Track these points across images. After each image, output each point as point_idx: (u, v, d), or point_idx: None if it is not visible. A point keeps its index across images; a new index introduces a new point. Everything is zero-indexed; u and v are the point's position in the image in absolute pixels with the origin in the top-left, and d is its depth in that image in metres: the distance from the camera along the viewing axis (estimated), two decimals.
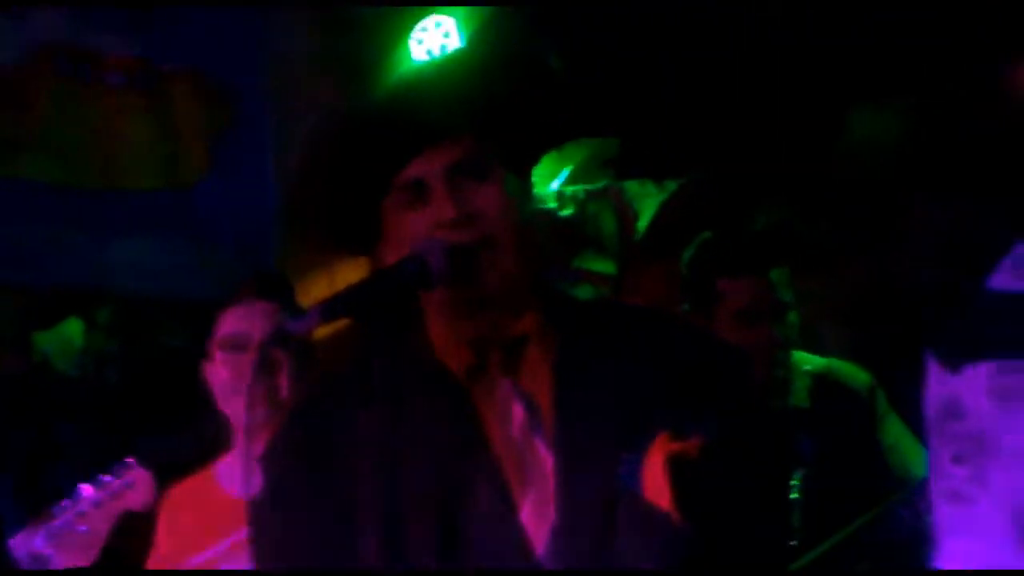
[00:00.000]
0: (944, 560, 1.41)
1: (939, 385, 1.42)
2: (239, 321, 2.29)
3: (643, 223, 4.06)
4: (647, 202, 4.03)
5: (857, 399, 2.77)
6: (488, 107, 1.60)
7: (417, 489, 1.50)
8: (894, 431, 2.77)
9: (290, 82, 3.85)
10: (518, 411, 1.54)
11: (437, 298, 1.54)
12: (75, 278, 3.56)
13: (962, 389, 1.38)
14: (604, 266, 4.05)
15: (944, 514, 1.40)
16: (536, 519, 1.49)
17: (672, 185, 4.04)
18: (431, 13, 4.03)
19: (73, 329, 3.93)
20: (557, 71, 3.32)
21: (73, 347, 3.90)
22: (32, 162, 3.50)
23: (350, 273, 3.94)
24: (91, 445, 3.64)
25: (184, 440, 3.01)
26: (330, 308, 1.48)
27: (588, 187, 4.06)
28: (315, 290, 3.96)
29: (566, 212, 4.07)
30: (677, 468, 1.41)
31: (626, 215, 4.06)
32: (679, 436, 1.42)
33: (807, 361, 2.83)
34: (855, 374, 2.85)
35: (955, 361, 1.39)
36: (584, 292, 3.67)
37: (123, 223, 3.62)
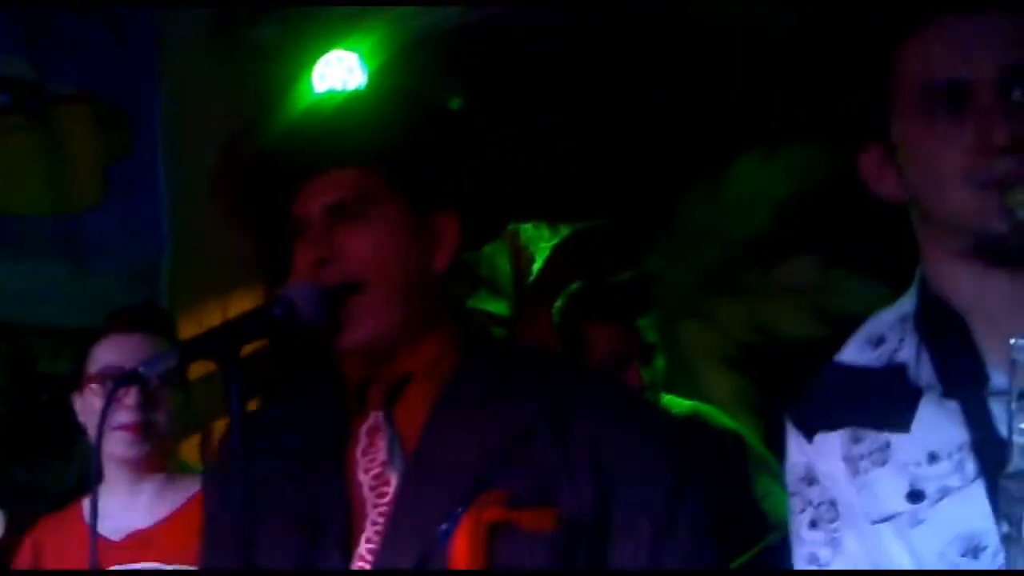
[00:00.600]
0: None
1: (797, 452, 1.46)
2: (111, 353, 2.26)
3: (536, 266, 4.09)
4: (541, 245, 4.06)
5: (723, 442, 2.82)
6: (379, 141, 1.59)
7: (287, 510, 1.53)
8: (764, 480, 2.82)
9: (185, 110, 3.80)
10: (381, 446, 1.54)
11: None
12: None
13: (816, 456, 1.42)
14: (498, 307, 4.06)
15: None
16: (366, 554, 1.50)
17: (565, 230, 4.08)
18: (334, 48, 4.02)
19: None
20: (456, 112, 3.34)
21: None
22: None
23: (245, 302, 3.91)
24: None
25: (51, 472, 2.94)
26: (190, 348, 1.47)
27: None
28: (208, 319, 3.91)
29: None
30: (492, 536, 1.42)
31: (521, 257, 4.08)
32: (512, 502, 1.42)
33: (675, 404, 2.89)
34: (721, 418, 2.90)
35: (810, 429, 1.43)
36: None
37: (4, 247, 3.52)
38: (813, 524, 1.43)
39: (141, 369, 1.44)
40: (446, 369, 1.56)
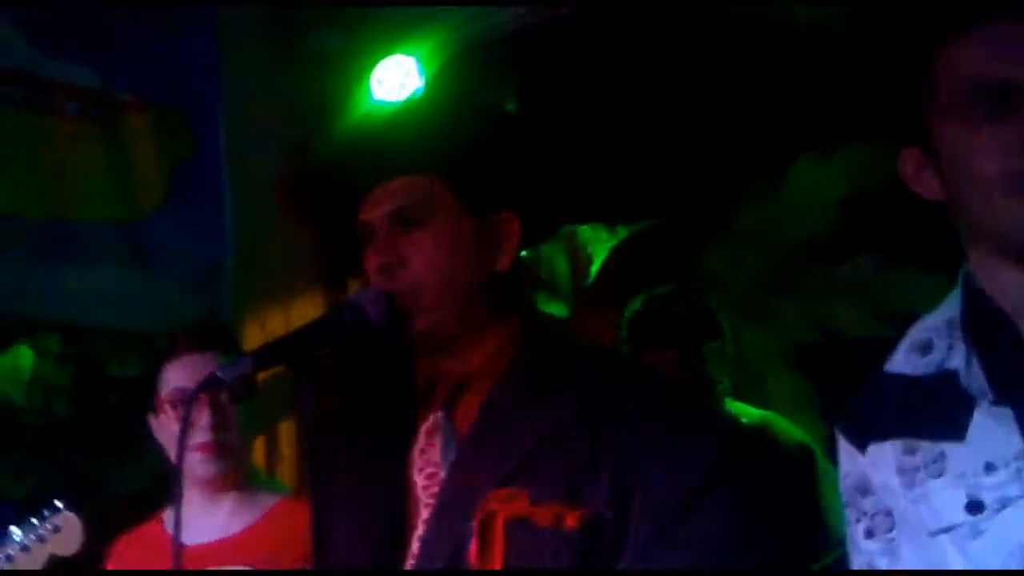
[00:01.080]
0: None
1: (849, 463, 1.45)
2: (181, 375, 2.30)
3: (595, 268, 4.09)
4: (599, 247, 4.06)
5: (791, 454, 2.79)
6: (439, 148, 1.62)
7: (356, 510, 1.59)
8: (830, 494, 2.78)
9: (247, 115, 3.86)
10: (437, 445, 1.58)
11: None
12: (23, 307, 3.54)
13: (870, 468, 1.42)
14: (556, 309, 4.07)
15: None
16: (417, 553, 1.54)
17: (624, 232, 4.08)
18: (392, 52, 4.05)
19: (23, 358, 3.90)
20: (514, 115, 3.35)
21: (22, 376, 3.86)
22: None
23: (307, 309, 3.95)
24: (35, 476, 3.60)
25: (116, 472, 2.99)
26: (263, 355, 1.50)
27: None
28: (271, 323, 3.96)
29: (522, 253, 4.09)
30: (511, 532, 1.45)
31: (579, 259, 4.08)
32: (536, 499, 1.44)
33: (745, 414, 2.85)
34: (790, 430, 2.86)
35: (862, 440, 1.42)
36: None
37: (74, 253, 3.60)
38: (869, 534, 1.43)
39: (219, 374, 1.48)
40: (500, 369, 1.59)
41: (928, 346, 1.41)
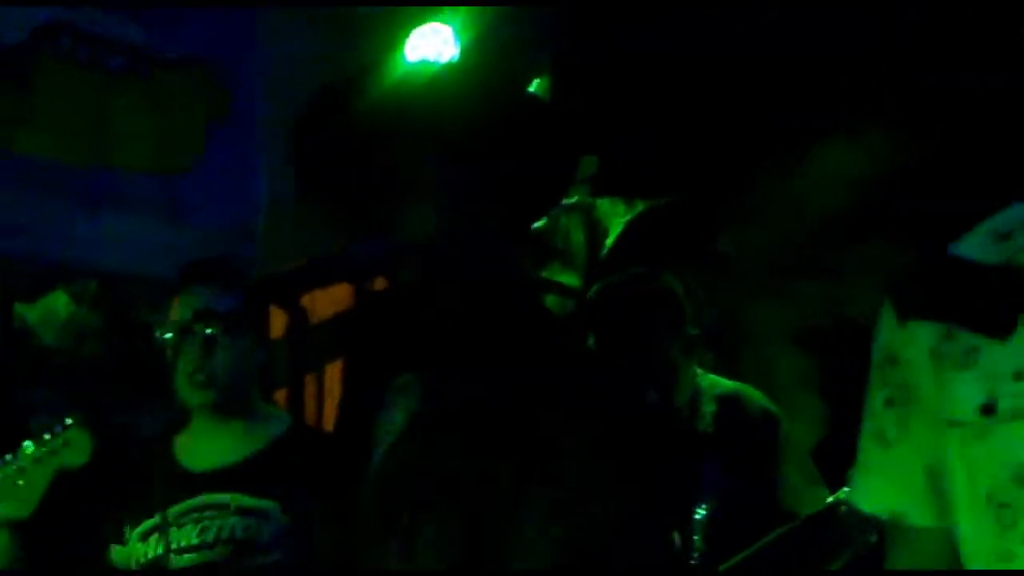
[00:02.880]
0: (859, 495, 1.47)
1: (887, 332, 1.42)
2: (182, 306, 2.41)
3: (609, 241, 4.15)
4: (615, 221, 4.12)
5: (760, 426, 2.86)
6: (468, 135, 1.66)
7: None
8: (789, 468, 2.85)
9: (283, 74, 3.95)
10: None
11: None
12: (60, 251, 3.66)
13: (905, 340, 1.39)
14: (570, 279, 4.14)
15: (868, 453, 1.44)
16: None
17: (641, 205, 4.13)
18: (429, 20, 4.12)
19: (59, 302, 4.02)
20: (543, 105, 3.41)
21: (57, 319, 3.99)
22: (27, 138, 3.61)
23: (329, 263, 4.03)
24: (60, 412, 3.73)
25: (146, 416, 3.12)
26: (255, 291, 1.57)
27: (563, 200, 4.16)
28: (294, 275, 4.08)
29: (539, 223, 4.17)
30: None
31: (596, 231, 4.15)
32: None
33: (718, 384, 2.93)
34: (761, 400, 2.94)
35: (904, 312, 1.39)
36: (550, 303, 3.77)
37: (113, 201, 3.72)
38: (889, 402, 1.41)
39: (213, 305, 1.56)
40: None
41: (1007, 235, 1.35)
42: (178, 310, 2.44)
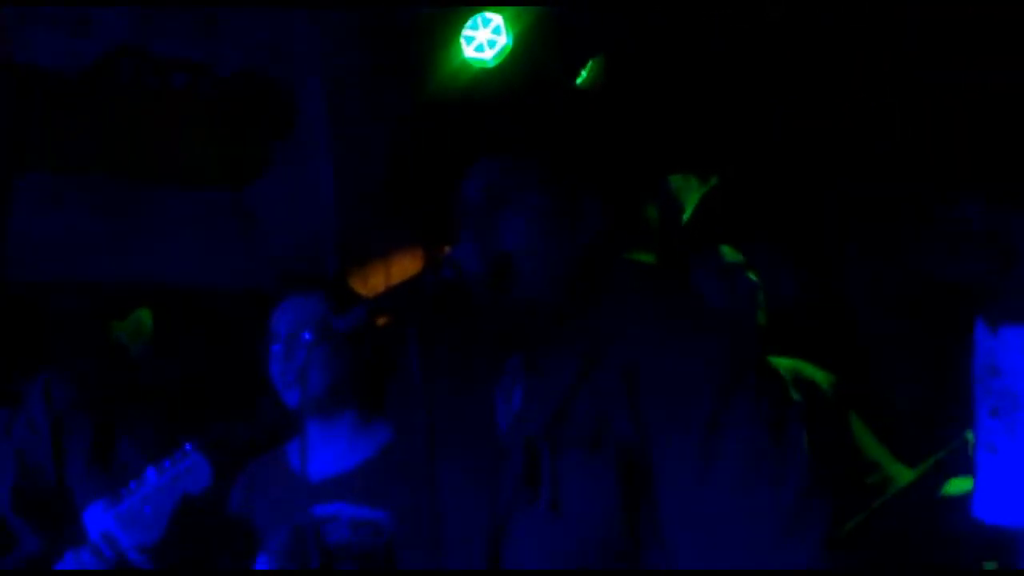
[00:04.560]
0: (980, 507, 1.48)
1: (983, 345, 1.49)
2: (285, 317, 2.42)
3: (685, 216, 4.11)
4: (691, 196, 4.07)
5: (824, 398, 2.80)
6: (530, 133, 1.66)
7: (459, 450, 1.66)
8: (858, 430, 2.79)
9: (345, 86, 3.98)
10: (514, 388, 1.67)
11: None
12: (140, 269, 3.72)
13: (1001, 350, 1.45)
14: (646, 258, 4.09)
15: (983, 464, 1.48)
16: None
17: (715, 180, 4.08)
18: (481, 12, 4.12)
19: (145, 318, 4.09)
20: (598, 95, 3.37)
21: (145, 334, 4.05)
22: (100, 161, 3.67)
23: (406, 265, 4.07)
24: (156, 426, 3.79)
25: (242, 427, 3.15)
26: (376, 306, 1.61)
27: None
28: (373, 280, 4.10)
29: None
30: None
31: (670, 208, 4.11)
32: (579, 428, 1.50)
33: (774, 363, 2.86)
34: (820, 375, 2.88)
35: (997, 323, 1.45)
36: None
37: (183, 219, 3.77)
38: (994, 412, 1.46)
39: (336, 324, 1.58)
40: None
41: None
42: (285, 317, 2.44)
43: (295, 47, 3.98)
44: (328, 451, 2.38)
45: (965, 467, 2.32)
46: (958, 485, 2.29)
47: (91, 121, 3.65)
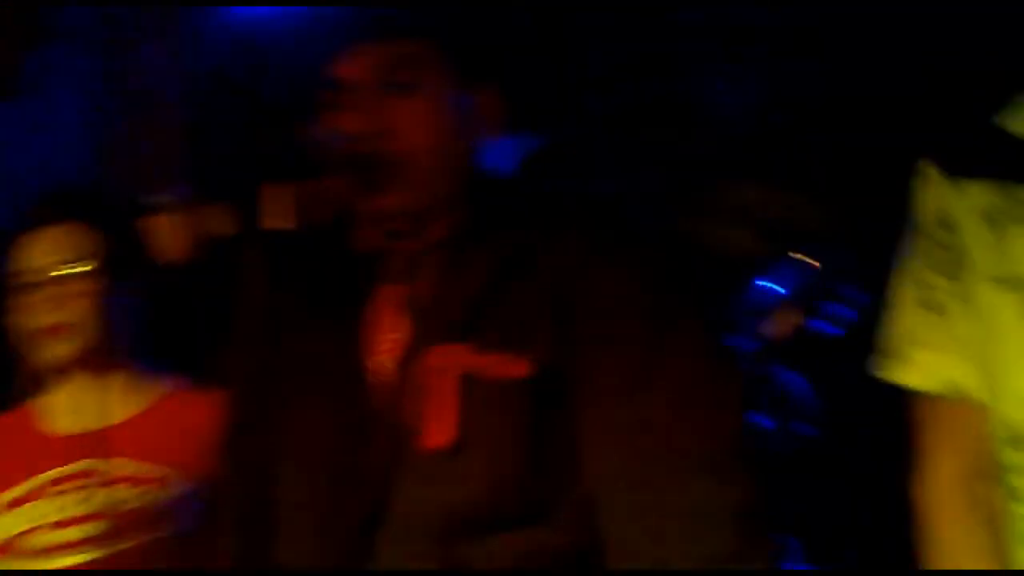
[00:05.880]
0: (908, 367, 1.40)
1: (937, 194, 1.39)
2: (30, 253, 2.02)
3: None
4: None
5: None
6: (437, 11, 1.51)
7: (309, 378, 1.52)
8: None
9: None
10: (395, 312, 1.51)
11: None
12: None
13: (956, 204, 1.36)
14: None
15: (917, 323, 1.39)
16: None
17: None
18: None
19: None
20: None
21: None
22: None
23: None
24: None
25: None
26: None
27: None
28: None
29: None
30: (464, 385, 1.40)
31: None
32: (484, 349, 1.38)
33: None
34: None
35: (956, 175, 1.36)
36: None
37: None
38: (939, 269, 1.37)
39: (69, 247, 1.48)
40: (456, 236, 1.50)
41: None
42: (28, 256, 2.02)
43: None
44: (89, 404, 2.03)
45: None
46: None
47: None
